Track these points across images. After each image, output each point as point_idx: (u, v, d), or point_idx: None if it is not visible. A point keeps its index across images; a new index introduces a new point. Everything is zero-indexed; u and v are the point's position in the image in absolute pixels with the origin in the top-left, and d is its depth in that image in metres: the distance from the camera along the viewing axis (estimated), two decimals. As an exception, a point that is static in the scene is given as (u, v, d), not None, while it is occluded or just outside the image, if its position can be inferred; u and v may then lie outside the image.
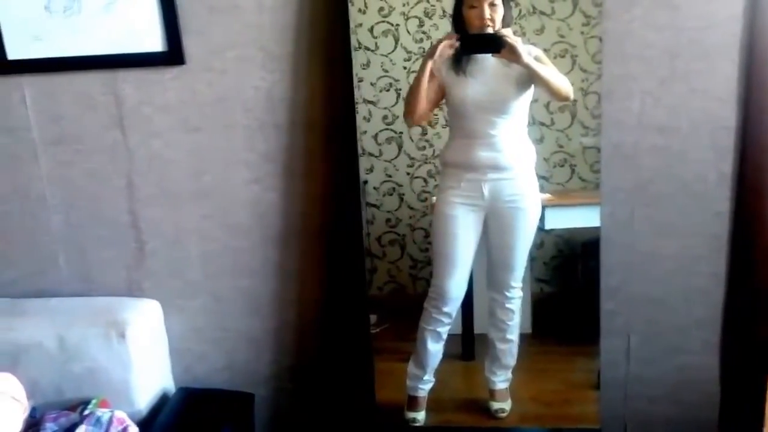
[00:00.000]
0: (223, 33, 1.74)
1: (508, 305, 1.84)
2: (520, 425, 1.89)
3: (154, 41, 1.74)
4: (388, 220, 1.92)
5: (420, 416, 1.91)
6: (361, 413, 1.96)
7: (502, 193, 1.76)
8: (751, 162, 1.72)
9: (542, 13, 1.74)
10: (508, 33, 1.64)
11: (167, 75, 1.77)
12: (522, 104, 1.71)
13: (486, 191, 1.75)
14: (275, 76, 1.76)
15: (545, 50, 1.70)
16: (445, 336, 1.87)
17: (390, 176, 1.88)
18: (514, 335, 1.87)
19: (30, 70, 1.78)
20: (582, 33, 1.74)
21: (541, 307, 1.92)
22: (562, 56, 1.74)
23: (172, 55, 1.75)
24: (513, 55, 1.61)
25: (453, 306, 1.84)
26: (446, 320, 1.85)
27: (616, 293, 1.84)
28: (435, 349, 1.88)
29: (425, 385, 1.91)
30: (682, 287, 1.84)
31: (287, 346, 1.98)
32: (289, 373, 2.00)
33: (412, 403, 1.92)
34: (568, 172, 1.83)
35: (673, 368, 1.89)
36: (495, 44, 1.63)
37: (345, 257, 1.89)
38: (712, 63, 1.68)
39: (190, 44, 1.74)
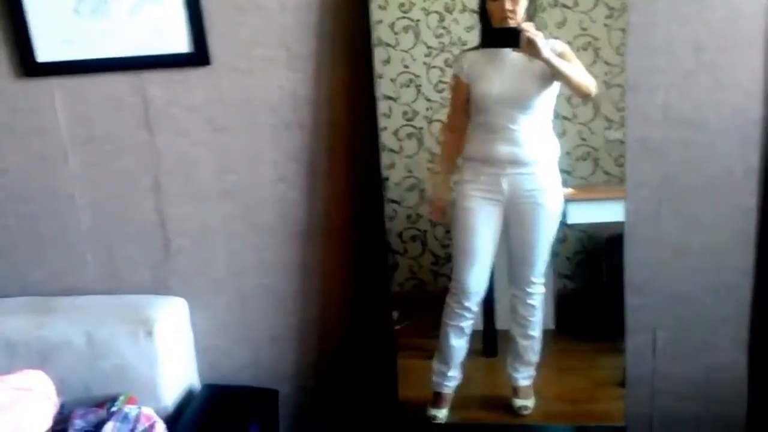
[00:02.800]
0: (248, 33, 1.75)
1: (529, 301, 1.83)
2: (544, 422, 1.88)
3: (180, 42, 1.76)
4: (408, 216, 1.92)
5: (442, 414, 1.90)
6: (383, 410, 1.97)
7: (521, 188, 1.75)
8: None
9: (564, 5, 1.73)
10: (530, 27, 1.61)
11: (193, 75, 1.78)
12: (545, 100, 1.70)
13: (505, 186, 1.75)
14: (299, 76, 1.77)
15: (568, 43, 1.68)
16: (468, 331, 1.86)
17: (411, 172, 1.87)
18: (536, 332, 1.86)
19: (59, 73, 1.80)
20: (605, 25, 1.72)
21: (564, 304, 1.91)
22: (585, 49, 1.73)
23: (198, 55, 1.76)
24: (533, 49, 1.58)
25: (474, 301, 1.84)
26: (468, 315, 1.85)
27: (641, 289, 1.83)
28: (458, 344, 1.87)
29: (450, 382, 1.91)
30: (709, 283, 1.82)
31: (310, 343, 1.99)
32: (313, 370, 2.01)
33: (437, 399, 1.91)
34: (592, 166, 1.82)
35: (700, 365, 1.87)
36: (514, 38, 1.59)
37: (368, 254, 1.90)
38: (738, 55, 1.67)
39: (215, 45, 1.76)
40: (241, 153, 1.84)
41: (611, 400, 1.86)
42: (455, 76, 1.76)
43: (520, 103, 1.70)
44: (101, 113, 1.84)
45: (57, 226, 1.93)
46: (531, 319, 1.84)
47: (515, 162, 1.73)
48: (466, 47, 1.76)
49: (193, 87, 1.80)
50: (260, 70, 1.77)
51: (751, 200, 1.75)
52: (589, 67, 1.69)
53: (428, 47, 1.80)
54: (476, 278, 1.82)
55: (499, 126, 1.72)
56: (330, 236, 1.90)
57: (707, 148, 1.73)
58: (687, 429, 1.92)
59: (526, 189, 1.75)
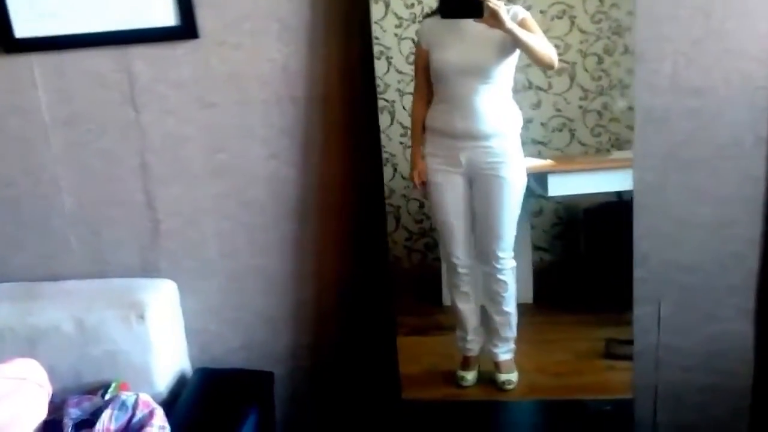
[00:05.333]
0: (237, 5, 1.69)
1: (499, 276, 1.82)
2: (528, 397, 1.89)
3: (166, 15, 1.70)
4: (382, 191, 1.90)
5: (470, 376, 1.91)
6: (381, 390, 1.96)
7: (480, 161, 1.73)
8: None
9: (537, -28, 1.70)
10: None
11: (180, 50, 1.73)
12: (505, 69, 1.67)
13: (463, 159, 1.74)
14: (291, 48, 1.72)
15: (541, 12, 1.66)
16: (474, 292, 1.87)
17: (383, 147, 1.83)
18: (510, 307, 1.84)
19: (39, 49, 1.74)
20: None
21: (541, 277, 1.89)
22: (560, 17, 1.71)
23: (185, 29, 1.70)
24: (495, 20, 1.55)
25: (466, 265, 1.84)
26: (466, 279, 1.85)
27: (646, 259, 1.82)
28: (466, 308, 1.88)
29: (471, 345, 1.90)
30: (716, 253, 1.81)
31: (306, 324, 1.96)
32: (309, 351, 1.98)
33: (463, 362, 1.92)
34: (568, 137, 1.80)
35: (706, 336, 1.87)
36: (476, 8, 1.55)
37: (366, 231, 1.88)
38: (748, 21, 1.65)
39: (203, 17, 1.70)
40: (231, 129, 1.80)
41: (595, 372, 1.87)
42: (417, 44, 1.73)
43: (479, 72, 1.67)
44: (84, 91, 1.78)
45: (39, 209, 1.88)
46: (503, 294, 1.83)
47: (472, 135, 1.71)
48: (427, 13, 1.72)
49: (181, 62, 1.75)
50: (251, 43, 1.72)
51: (760, 169, 1.74)
52: (565, 36, 1.68)
53: (399, 18, 1.75)
54: (459, 246, 1.82)
55: (458, 97, 1.70)
56: (326, 214, 1.87)
57: (716, 116, 1.71)
58: (692, 400, 1.92)
59: (486, 162, 1.73)
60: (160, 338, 1.77)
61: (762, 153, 1.73)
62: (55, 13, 1.71)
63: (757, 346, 1.87)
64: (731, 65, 1.68)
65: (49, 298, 1.81)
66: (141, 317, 1.73)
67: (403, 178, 1.85)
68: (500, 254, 1.80)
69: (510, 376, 1.88)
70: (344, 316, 1.96)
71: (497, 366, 1.89)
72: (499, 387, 1.88)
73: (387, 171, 1.85)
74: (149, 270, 1.91)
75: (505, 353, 1.88)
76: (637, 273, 1.81)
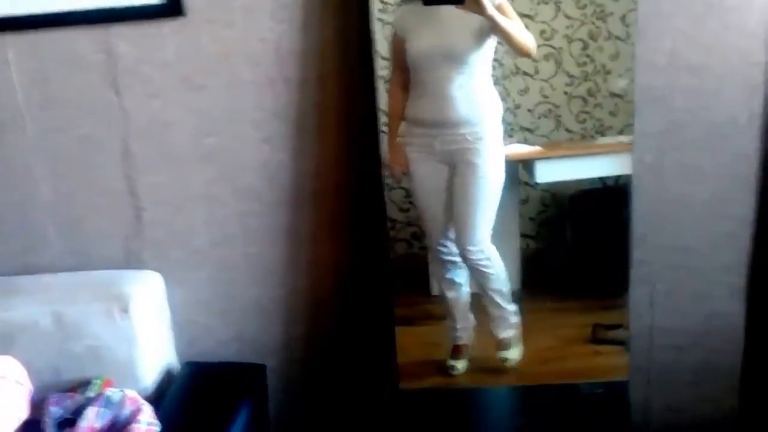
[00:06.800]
0: (226, -20, 1.65)
1: (478, 266, 1.81)
2: (517, 383, 1.90)
3: (150, -8, 1.64)
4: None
5: (460, 364, 1.90)
6: (376, 380, 1.93)
7: (455, 148, 1.73)
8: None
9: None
10: None
11: (165, 29, 1.68)
12: (482, 56, 1.67)
13: (438, 146, 1.74)
14: (284, 27, 1.68)
15: None
16: (461, 280, 1.86)
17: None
18: (494, 290, 1.83)
19: (12, 28, 1.67)
20: None
21: (528, 264, 1.90)
22: (546, 2, 1.72)
23: (170, 6, 1.65)
24: (477, 6, 1.55)
25: (451, 251, 1.83)
26: (451, 267, 1.85)
27: (642, 242, 1.82)
28: (453, 296, 1.88)
29: (461, 333, 1.90)
30: (709, 232, 1.82)
31: (299, 314, 1.92)
32: (302, 342, 1.94)
33: (453, 351, 1.91)
34: (554, 123, 1.81)
35: (699, 316, 1.88)
36: None
37: (364, 218, 1.84)
38: None
39: (190, -6, 1.65)
40: (220, 113, 1.75)
41: (582, 357, 1.88)
42: (393, 33, 1.72)
43: (456, 58, 1.67)
44: (61, 73, 1.72)
45: (15, 199, 1.81)
46: (483, 280, 1.83)
47: (445, 123, 1.71)
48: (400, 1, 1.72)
49: (166, 41, 1.69)
50: (241, 20, 1.67)
51: (752, 146, 1.75)
52: (550, 21, 1.69)
53: (383, 2, 1.73)
54: (444, 234, 1.82)
55: (434, 84, 1.69)
56: (321, 200, 1.83)
57: (713, 94, 1.71)
58: (685, 380, 1.93)
59: (461, 149, 1.73)
60: (145, 332, 1.71)
61: (755, 130, 1.74)
62: (29, -11, 1.64)
63: (748, 324, 1.89)
64: (730, 41, 1.68)
65: (27, 293, 1.74)
66: (125, 311, 1.67)
67: (385, 165, 1.81)
68: (470, 247, 1.79)
69: (507, 354, 1.88)
70: (340, 306, 1.93)
71: (498, 344, 1.89)
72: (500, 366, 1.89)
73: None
74: (133, 261, 1.85)
75: (503, 330, 1.87)
76: (635, 255, 1.81)
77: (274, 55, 1.70)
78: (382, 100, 1.75)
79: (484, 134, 1.72)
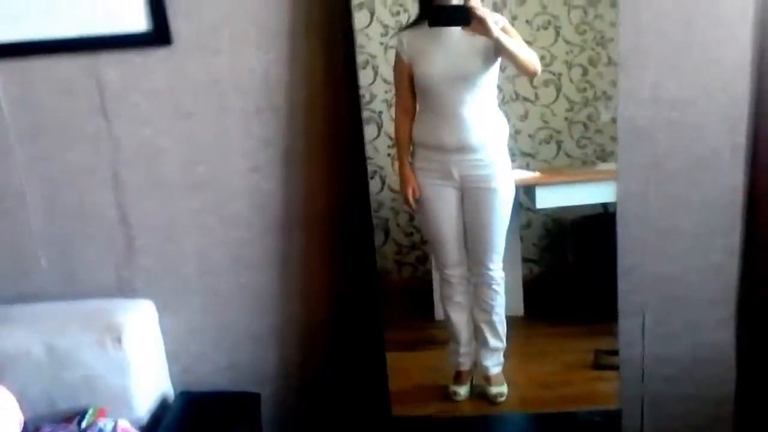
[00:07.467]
0: (213, 9, 1.64)
1: (491, 286, 1.82)
2: (520, 410, 1.88)
3: (137, 20, 1.63)
4: (370, 205, 1.88)
5: (463, 390, 1.89)
6: (371, 407, 1.91)
7: (472, 174, 1.73)
8: (765, 131, 1.69)
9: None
10: (477, 3, 1.59)
11: (154, 57, 1.67)
12: (490, 78, 1.67)
13: (455, 173, 1.73)
14: (272, 55, 1.68)
15: (527, 21, 1.68)
16: (468, 303, 1.86)
17: (371, 158, 1.80)
18: (498, 316, 1.84)
19: (1, 55, 1.66)
20: (565, 3, 1.72)
21: (531, 289, 1.90)
22: (545, 28, 1.72)
23: (159, 34, 1.65)
24: (483, 27, 1.56)
25: (460, 275, 1.83)
26: (460, 289, 1.84)
27: (631, 271, 1.81)
28: (459, 319, 1.87)
29: (464, 358, 1.89)
30: (697, 263, 1.81)
31: (293, 341, 1.91)
32: (297, 369, 1.93)
33: (456, 377, 1.91)
34: (555, 149, 1.81)
35: (689, 346, 1.87)
36: (464, 16, 1.56)
37: (353, 245, 1.83)
38: (728, 30, 1.64)
39: (177, 22, 1.65)
40: (209, 141, 1.74)
41: (584, 383, 1.88)
42: (397, 55, 1.71)
43: (467, 81, 1.67)
44: (50, 100, 1.71)
45: (5, 227, 1.80)
46: (493, 303, 1.83)
47: (464, 148, 1.71)
48: (405, 24, 1.71)
49: (154, 69, 1.69)
50: (229, 49, 1.67)
51: (737, 178, 1.74)
52: (550, 47, 1.70)
53: (384, 26, 1.73)
54: (453, 258, 1.82)
55: (445, 108, 1.69)
56: (311, 227, 1.82)
57: (695, 126, 1.70)
58: (677, 409, 1.91)
59: (478, 174, 1.73)
60: (138, 361, 1.70)
61: (740, 162, 1.73)
62: (17, 17, 1.64)
63: (739, 355, 1.87)
64: (711, 74, 1.67)
65: (18, 322, 1.72)
66: (117, 340, 1.66)
67: (392, 190, 1.83)
68: (491, 265, 1.81)
69: (501, 389, 1.88)
70: (333, 332, 1.91)
71: (488, 380, 1.88)
72: (491, 400, 1.87)
73: (375, 184, 1.83)
74: (125, 290, 1.84)
75: (495, 366, 1.88)
76: (622, 285, 1.80)
77: (262, 84, 1.69)
78: (369, 129, 1.75)
79: (498, 157, 1.73)
